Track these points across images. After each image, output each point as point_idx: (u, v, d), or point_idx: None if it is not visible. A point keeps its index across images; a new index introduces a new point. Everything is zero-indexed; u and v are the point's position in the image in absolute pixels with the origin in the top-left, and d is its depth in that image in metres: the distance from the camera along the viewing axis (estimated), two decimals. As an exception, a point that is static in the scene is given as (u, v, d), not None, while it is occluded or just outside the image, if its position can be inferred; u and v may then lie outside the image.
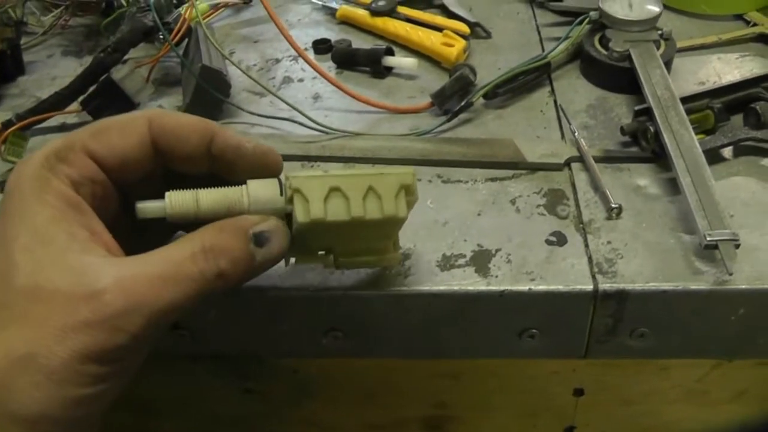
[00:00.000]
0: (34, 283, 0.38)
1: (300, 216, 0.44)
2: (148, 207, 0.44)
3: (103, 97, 0.72)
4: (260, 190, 0.45)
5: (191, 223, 0.44)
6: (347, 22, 0.89)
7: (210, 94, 0.71)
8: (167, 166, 0.47)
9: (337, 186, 0.44)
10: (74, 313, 0.37)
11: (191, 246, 0.41)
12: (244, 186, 0.45)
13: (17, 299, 0.38)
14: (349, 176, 0.45)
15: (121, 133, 0.44)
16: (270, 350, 0.62)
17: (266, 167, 0.47)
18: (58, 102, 0.72)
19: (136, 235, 0.45)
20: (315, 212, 0.43)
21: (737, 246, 0.52)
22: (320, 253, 0.50)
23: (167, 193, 0.44)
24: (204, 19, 0.82)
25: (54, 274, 0.38)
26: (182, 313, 0.40)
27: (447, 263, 0.55)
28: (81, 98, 0.73)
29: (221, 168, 0.47)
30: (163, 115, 0.46)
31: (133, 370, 0.42)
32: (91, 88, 0.72)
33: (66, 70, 0.85)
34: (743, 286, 0.52)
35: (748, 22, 0.81)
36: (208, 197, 0.44)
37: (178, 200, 0.44)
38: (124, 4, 0.84)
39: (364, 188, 0.45)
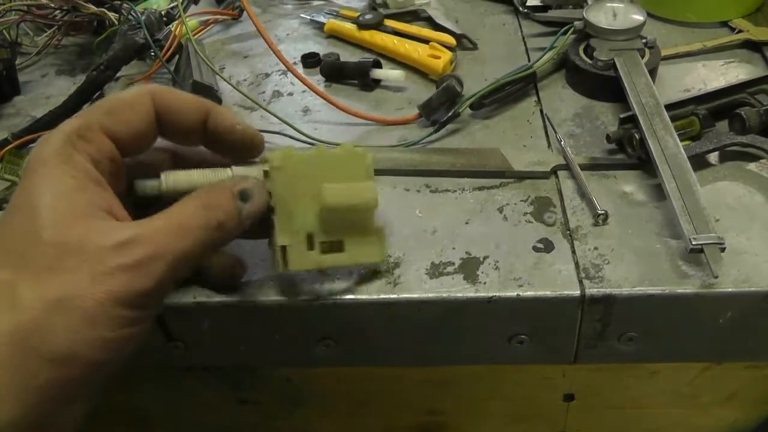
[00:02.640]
0: (62, 237, 0.40)
1: (276, 161, 0.50)
2: (146, 184, 0.49)
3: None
4: (245, 169, 0.51)
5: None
6: (335, 36, 0.90)
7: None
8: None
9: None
10: (105, 260, 0.40)
11: (193, 203, 0.45)
12: (227, 169, 0.50)
13: (47, 251, 0.40)
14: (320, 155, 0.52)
15: (131, 110, 0.47)
16: (263, 360, 0.63)
17: (252, 148, 0.51)
18: (52, 120, 0.72)
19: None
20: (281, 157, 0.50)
21: (722, 249, 0.52)
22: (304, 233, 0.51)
23: (163, 173, 0.49)
24: (194, 35, 0.83)
25: (81, 230, 0.41)
26: (194, 262, 0.44)
27: (436, 271, 0.56)
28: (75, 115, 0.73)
29: (213, 144, 0.51)
30: (164, 90, 0.49)
31: (152, 320, 0.44)
32: (85, 106, 0.73)
33: (60, 89, 0.86)
34: (730, 289, 0.53)
35: (733, 29, 0.82)
36: (199, 175, 0.49)
37: (172, 178, 0.49)
38: (116, 22, 0.85)
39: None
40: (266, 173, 0.51)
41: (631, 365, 0.61)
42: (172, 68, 0.77)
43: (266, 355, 0.61)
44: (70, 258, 0.40)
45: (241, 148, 0.51)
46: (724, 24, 0.84)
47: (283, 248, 0.51)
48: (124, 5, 0.85)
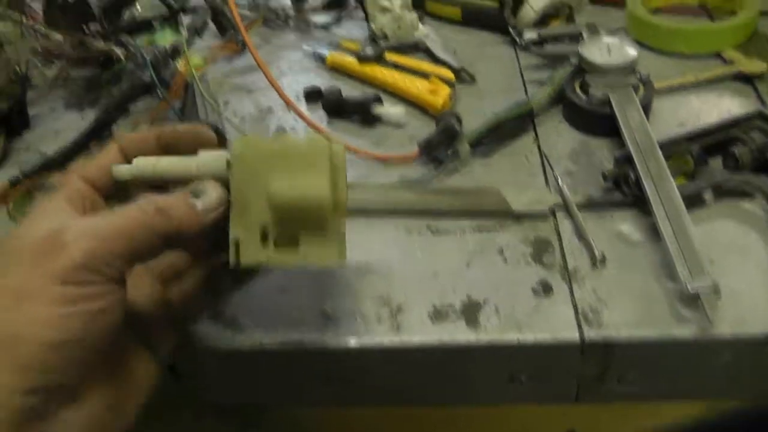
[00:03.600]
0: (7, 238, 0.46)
1: (236, 149, 0.50)
2: (119, 169, 0.52)
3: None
4: (208, 158, 0.51)
5: (155, 186, 0.52)
6: (337, 69, 0.91)
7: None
8: None
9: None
10: (35, 245, 0.44)
11: (143, 203, 0.47)
12: (194, 156, 0.52)
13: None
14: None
15: (101, 158, 0.52)
16: (271, 400, 0.64)
17: (202, 143, 0.53)
18: (62, 159, 0.75)
19: None
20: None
21: (718, 294, 0.54)
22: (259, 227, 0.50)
23: (135, 160, 0.52)
24: (198, 71, 0.85)
25: (23, 230, 0.46)
26: (132, 242, 0.46)
27: (438, 315, 0.58)
28: (84, 155, 0.75)
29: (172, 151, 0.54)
30: (126, 137, 0.54)
31: (104, 299, 0.45)
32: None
33: (69, 123, 0.87)
34: (727, 332, 0.54)
35: (725, 60, 0.84)
36: (166, 161, 0.52)
37: (141, 163, 0.52)
38: (122, 58, 0.86)
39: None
40: (228, 162, 0.50)
41: (631, 404, 0.63)
42: (178, 104, 0.79)
43: (274, 395, 0.63)
44: (5, 249, 0.45)
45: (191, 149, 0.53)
46: (717, 55, 0.85)
47: (236, 241, 0.50)
48: (130, 42, 0.86)
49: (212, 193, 0.49)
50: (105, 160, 0.52)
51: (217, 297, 0.59)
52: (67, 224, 0.45)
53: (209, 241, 0.53)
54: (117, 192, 0.52)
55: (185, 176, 0.51)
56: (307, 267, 0.53)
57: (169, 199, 0.48)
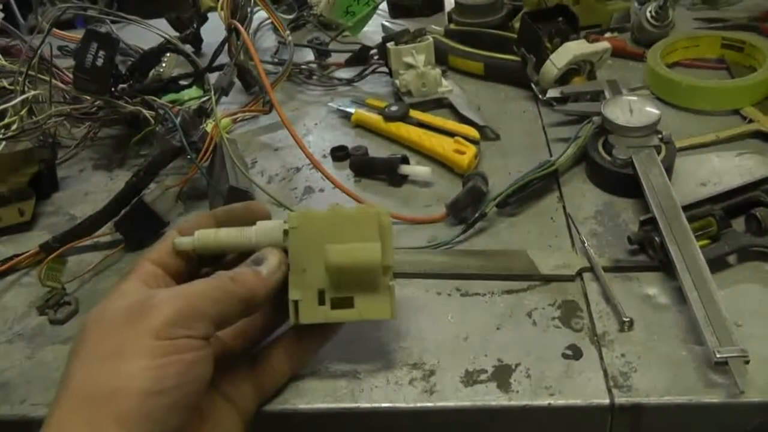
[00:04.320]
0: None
1: (292, 222, 0.56)
2: (182, 242, 0.56)
3: (135, 218, 0.77)
4: (265, 228, 0.57)
5: (215, 256, 0.59)
6: (362, 126, 0.93)
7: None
8: None
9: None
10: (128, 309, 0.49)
11: (216, 275, 0.54)
12: (252, 227, 0.57)
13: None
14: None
15: (164, 243, 0.57)
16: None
17: (256, 217, 0.59)
18: (92, 225, 0.76)
19: None
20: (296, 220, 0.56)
21: (747, 362, 0.55)
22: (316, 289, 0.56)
23: (196, 231, 0.57)
24: (226, 131, 0.87)
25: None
26: (216, 306, 0.51)
27: (470, 379, 0.59)
28: (114, 220, 0.77)
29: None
30: (185, 224, 0.59)
31: (196, 350, 0.49)
32: (124, 210, 0.77)
33: (97, 185, 0.90)
34: (756, 399, 0.55)
35: (744, 118, 0.85)
36: (225, 232, 0.57)
37: (203, 234, 0.57)
38: (149, 118, 0.88)
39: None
40: (285, 232, 0.56)
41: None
42: (206, 165, 0.81)
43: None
44: (95, 320, 0.50)
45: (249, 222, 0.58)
46: (736, 112, 0.87)
47: (296, 302, 0.56)
48: (159, 104, 0.89)
49: (272, 258, 0.55)
50: (168, 245, 0.56)
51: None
52: (152, 293, 0.50)
53: (274, 305, 0.59)
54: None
55: (245, 246, 0.57)
56: (361, 321, 0.56)
57: (237, 269, 0.54)
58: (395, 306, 0.57)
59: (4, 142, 0.93)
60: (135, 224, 0.76)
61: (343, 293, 0.56)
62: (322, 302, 0.56)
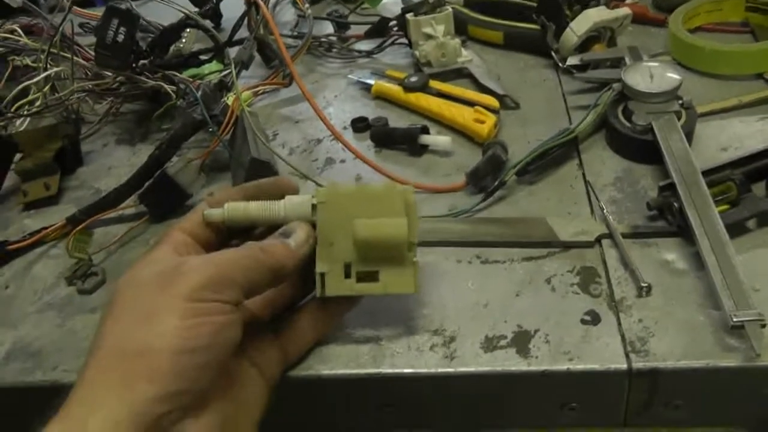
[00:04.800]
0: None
1: (320, 196, 0.57)
2: (211, 213, 0.58)
3: (159, 191, 0.77)
4: (294, 202, 0.58)
5: (244, 229, 0.60)
6: (382, 97, 0.94)
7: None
8: None
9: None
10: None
11: (247, 245, 0.55)
12: (281, 201, 0.58)
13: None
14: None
15: (194, 215, 0.58)
16: (326, 427, 0.66)
17: (284, 192, 0.60)
18: (117, 198, 0.78)
19: None
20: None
21: (763, 326, 0.55)
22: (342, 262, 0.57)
23: (226, 204, 0.58)
24: (247, 104, 0.87)
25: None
26: (248, 274, 0.52)
27: (490, 345, 0.60)
28: (138, 192, 0.78)
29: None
30: (213, 198, 0.60)
31: (226, 314, 0.50)
32: (148, 183, 0.78)
33: (121, 159, 0.91)
34: (773, 361, 0.55)
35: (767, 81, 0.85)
36: (255, 205, 0.58)
37: (232, 207, 0.57)
38: (171, 93, 0.89)
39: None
40: (313, 206, 0.57)
41: (679, 429, 0.64)
42: (227, 138, 0.81)
43: (329, 422, 0.65)
44: (128, 284, 0.52)
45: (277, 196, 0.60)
46: (760, 76, 0.86)
47: (322, 275, 0.57)
48: (179, 78, 0.89)
49: (300, 232, 0.57)
50: (198, 216, 0.58)
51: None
52: (183, 260, 0.52)
53: (301, 277, 0.60)
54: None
55: (273, 219, 0.58)
56: (385, 295, 0.58)
57: (267, 241, 0.56)
58: (418, 281, 0.58)
59: (28, 119, 0.94)
60: (158, 196, 0.77)
61: (368, 267, 0.57)
62: (348, 275, 0.57)
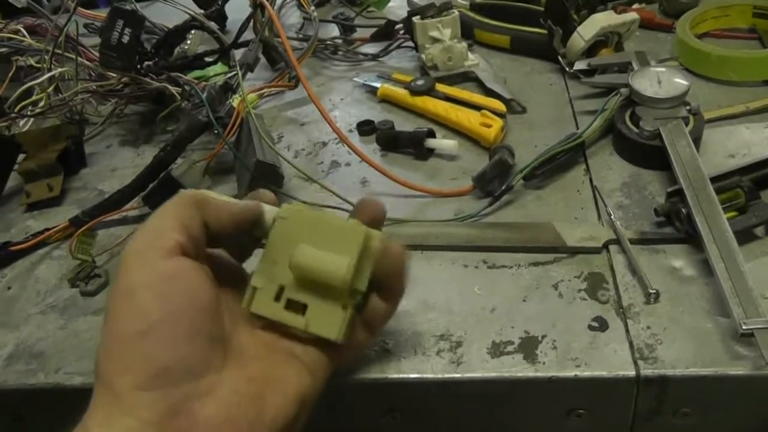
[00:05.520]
0: None
1: (282, 212, 0.54)
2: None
3: (163, 193, 0.77)
4: (264, 210, 0.55)
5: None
6: (388, 101, 0.93)
7: (264, 186, 0.75)
8: None
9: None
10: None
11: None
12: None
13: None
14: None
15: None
16: (334, 429, 0.66)
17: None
18: (121, 199, 0.77)
19: None
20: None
21: (772, 332, 0.55)
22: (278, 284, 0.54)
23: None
24: (253, 107, 0.87)
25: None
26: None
27: (497, 350, 0.59)
28: (142, 194, 0.78)
29: None
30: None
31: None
32: (152, 185, 0.78)
33: (124, 160, 0.91)
34: (783, 370, 0.55)
35: (775, 88, 0.85)
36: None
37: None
38: (176, 94, 0.89)
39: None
40: (273, 221, 0.54)
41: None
42: (232, 140, 0.81)
43: (336, 424, 0.65)
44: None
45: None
46: (767, 82, 0.86)
47: (254, 289, 0.53)
48: (184, 80, 0.89)
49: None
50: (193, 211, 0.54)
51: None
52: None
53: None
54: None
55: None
56: (303, 333, 0.53)
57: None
58: (345, 332, 0.53)
59: (31, 119, 0.94)
60: (163, 198, 0.75)
61: (300, 297, 0.53)
62: (278, 299, 0.53)
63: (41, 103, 0.93)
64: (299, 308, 0.53)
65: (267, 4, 0.90)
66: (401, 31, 1.03)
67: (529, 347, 0.59)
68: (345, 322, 0.53)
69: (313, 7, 1.03)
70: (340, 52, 1.09)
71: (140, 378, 0.44)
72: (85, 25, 1.17)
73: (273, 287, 0.53)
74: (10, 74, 1.01)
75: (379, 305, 0.56)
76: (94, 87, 0.94)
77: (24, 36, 1.04)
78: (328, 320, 0.53)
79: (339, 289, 0.52)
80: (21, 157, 0.89)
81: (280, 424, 0.48)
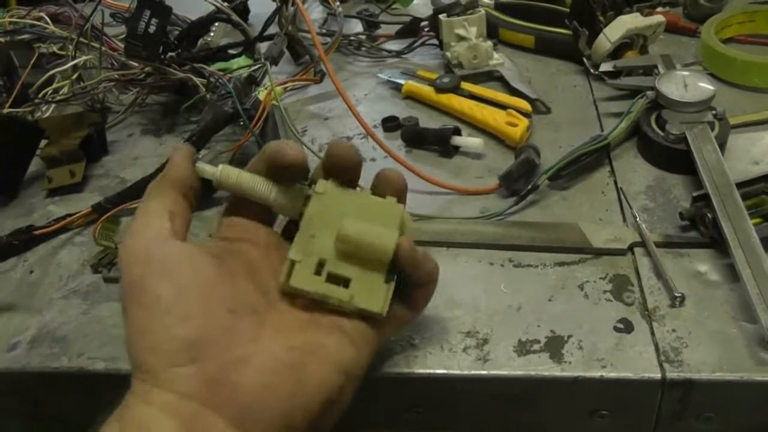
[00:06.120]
0: None
1: (319, 187, 0.55)
2: (204, 169, 0.56)
3: (188, 182, 0.77)
4: (289, 188, 0.55)
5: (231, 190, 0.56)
6: (412, 97, 0.94)
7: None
8: None
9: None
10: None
11: None
12: (274, 184, 0.55)
13: None
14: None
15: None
16: (357, 423, 0.66)
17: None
18: (145, 187, 0.77)
19: None
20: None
21: (798, 339, 0.55)
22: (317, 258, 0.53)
23: (221, 165, 0.55)
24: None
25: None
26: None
27: (523, 349, 0.59)
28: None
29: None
30: None
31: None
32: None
33: (146, 149, 0.91)
34: (807, 376, 0.55)
35: (800, 96, 0.85)
36: (248, 177, 0.55)
37: (225, 172, 0.55)
38: (199, 85, 0.89)
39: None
40: (307, 197, 0.55)
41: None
42: (257, 132, 0.81)
43: (360, 418, 0.65)
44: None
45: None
46: (792, 89, 0.86)
47: (292, 262, 0.53)
48: (210, 71, 0.89)
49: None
50: (188, 168, 0.56)
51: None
52: None
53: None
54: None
55: (261, 197, 0.55)
56: (347, 308, 0.53)
57: None
58: (388, 306, 0.53)
59: (53, 105, 0.94)
60: None
61: (342, 271, 0.53)
62: (318, 273, 0.53)
63: (63, 90, 0.94)
64: (340, 281, 0.53)
65: (297, -1, 0.91)
66: (426, 29, 1.04)
67: (555, 347, 0.59)
68: (388, 295, 0.53)
69: (338, 3, 1.04)
70: (363, 48, 1.09)
71: (171, 357, 0.45)
72: (112, 15, 1.17)
73: (312, 261, 0.53)
74: (32, 60, 1.01)
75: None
76: (117, 76, 0.95)
77: (47, 23, 1.04)
78: (371, 294, 0.53)
79: (383, 262, 0.53)
80: (43, 142, 0.89)
81: (323, 394, 0.48)
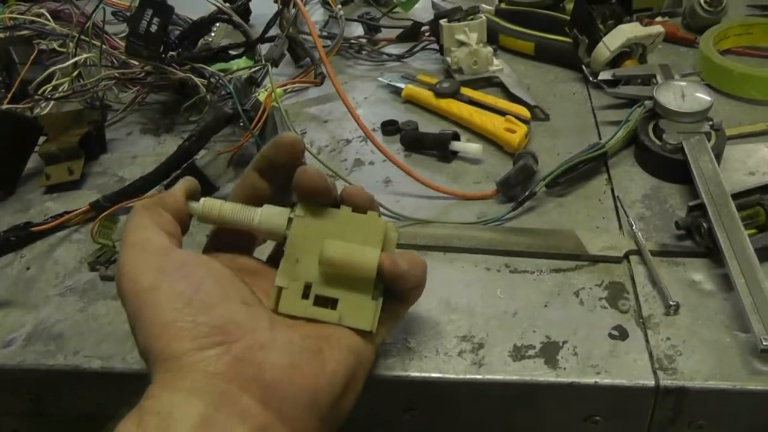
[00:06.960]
0: None
1: (299, 211, 0.55)
2: (190, 206, 0.57)
3: (186, 182, 0.77)
4: (271, 213, 0.56)
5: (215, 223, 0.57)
6: (412, 102, 0.94)
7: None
8: None
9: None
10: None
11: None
12: (259, 208, 0.56)
13: None
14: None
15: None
16: (353, 424, 0.66)
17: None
18: (143, 186, 0.78)
19: None
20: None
21: (792, 349, 0.55)
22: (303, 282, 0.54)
23: (203, 199, 0.57)
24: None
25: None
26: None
27: (518, 354, 0.60)
28: (165, 183, 0.79)
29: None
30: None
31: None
32: (175, 174, 0.78)
33: (145, 148, 0.91)
34: (802, 386, 0.55)
35: (796, 108, 0.85)
36: (229, 207, 0.56)
37: (208, 203, 0.56)
38: (199, 85, 0.89)
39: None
40: (289, 220, 0.55)
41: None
42: (257, 134, 0.82)
43: (357, 419, 0.65)
44: None
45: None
46: (789, 102, 0.87)
47: (280, 289, 0.53)
48: (210, 72, 0.89)
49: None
50: (180, 200, 0.57)
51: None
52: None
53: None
54: None
55: (245, 225, 0.56)
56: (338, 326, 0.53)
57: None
58: (376, 322, 0.54)
59: (52, 102, 0.94)
60: None
61: (329, 293, 0.54)
62: (306, 296, 0.53)
63: (62, 87, 0.94)
64: (328, 303, 0.54)
65: (298, 1, 0.91)
66: (427, 33, 1.04)
67: (550, 352, 0.60)
68: (377, 311, 0.54)
69: (339, 6, 1.04)
70: (364, 52, 1.10)
71: (198, 341, 0.46)
72: (113, 13, 1.17)
73: (298, 285, 0.54)
74: (32, 57, 1.01)
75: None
76: (117, 74, 0.95)
77: (47, 20, 1.04)
78: (359, 312, 0.53)
79: (368, 280, 0.53)
80: (42, 139, 0.89)
81: (343, 375, 0.50)
